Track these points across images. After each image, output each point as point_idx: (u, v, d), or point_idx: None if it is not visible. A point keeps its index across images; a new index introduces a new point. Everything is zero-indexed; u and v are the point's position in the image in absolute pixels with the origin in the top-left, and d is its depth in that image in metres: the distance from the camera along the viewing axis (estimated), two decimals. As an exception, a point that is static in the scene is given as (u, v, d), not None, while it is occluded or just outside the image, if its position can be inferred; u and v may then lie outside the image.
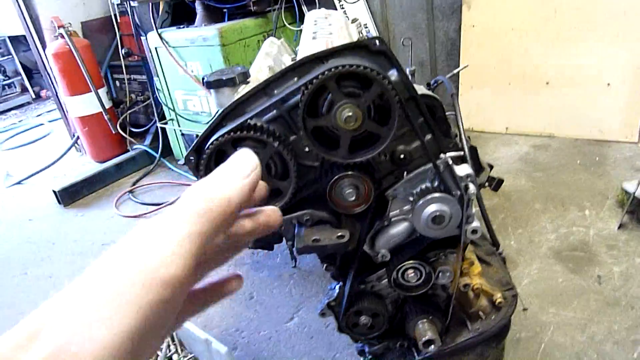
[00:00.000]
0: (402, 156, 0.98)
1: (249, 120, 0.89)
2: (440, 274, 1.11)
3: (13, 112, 6.37)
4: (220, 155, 0.90)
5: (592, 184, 2.43)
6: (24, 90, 6.73)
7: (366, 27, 3.32)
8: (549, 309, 1.69)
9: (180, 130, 3.28)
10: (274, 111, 0.90)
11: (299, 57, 0.98)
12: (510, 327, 1.55)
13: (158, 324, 0.29)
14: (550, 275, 1.85)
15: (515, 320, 1.63)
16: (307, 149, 0.93)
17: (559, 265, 1.89)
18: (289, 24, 2.89)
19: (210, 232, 0.32)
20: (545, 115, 3.04)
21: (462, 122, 1.32)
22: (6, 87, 6.65)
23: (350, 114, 0.85)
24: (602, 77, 2.82)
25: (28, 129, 5.28)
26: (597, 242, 2.00)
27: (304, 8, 2.96)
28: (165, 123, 3.35)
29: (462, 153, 1.05)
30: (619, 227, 2.05)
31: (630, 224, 2.06)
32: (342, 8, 3.22)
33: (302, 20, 2.79)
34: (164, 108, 3.27)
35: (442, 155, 0.99)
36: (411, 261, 1.09)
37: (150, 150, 3.58)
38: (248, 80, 1.07)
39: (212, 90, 1.07)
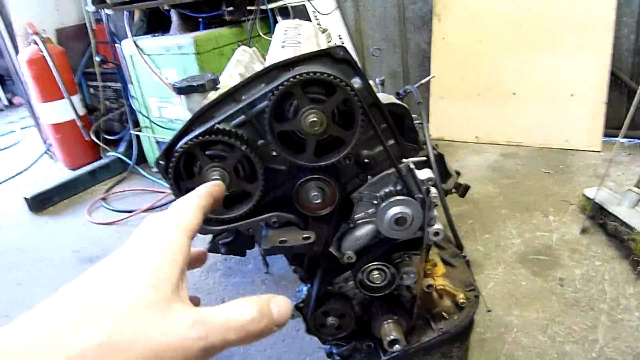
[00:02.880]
0: (366, 160, 1.02)
1: (217, 125, 0.92)
2: (404, 275, 1.15)
3: (-16, 119, 6.23)
4: (189, 159, 0.93)
5: (556, 190, 2.52)
6: (-4, 97, 6.61)
7: (340, 38, 3.38)
8: (513, 311, 1.74)
9: (155, 138, 3.27)
10: (242, 116, 0.93)
11: (267, 65, 1.01)
12: (475, 329, 1.60)
13: None
14: (514, 278, 1.91)
15: (481, 322, 1.69)
16: (274, 153, 0.96)
17: (523, 269, 1.96)
18: (264, 34, 2.93)
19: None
20: (513, 125, 3.14)
21: (428, 129, 1.37)
22: (-23, 94, 6.52)
23: (315, 119, 0.89)
24: (566, 88, 2.94)
25: (-1, 136, 5.18)
26: (560, 246, 2.07)
27: (279, 18, 3.00)
28: (140, 130, 3.34)
29: (424, 158, 1.10)
30: (581, 232, 2.13)
31: (592, 228, 2.15)
32: (317, 19, 3.27)
33: (276, 30, 2.83)
34: (139, 115, 3.26)
35: (404, 160, 1.03)
36: (376, 263, 1.12)
37: (124, 158, 3.55)
38: (218, 86, 1.10)
39: (182, 96, 1.10)
